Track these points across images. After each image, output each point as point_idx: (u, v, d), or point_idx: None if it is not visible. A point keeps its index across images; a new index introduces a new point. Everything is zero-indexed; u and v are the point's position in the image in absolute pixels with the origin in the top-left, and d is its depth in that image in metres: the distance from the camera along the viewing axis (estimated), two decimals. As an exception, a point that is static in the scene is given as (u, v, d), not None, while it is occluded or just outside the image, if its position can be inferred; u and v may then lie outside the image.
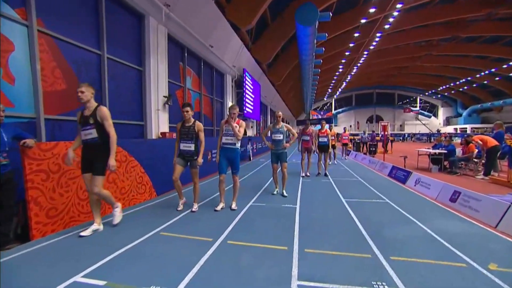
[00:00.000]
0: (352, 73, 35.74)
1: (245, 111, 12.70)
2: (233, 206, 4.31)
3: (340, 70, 32.64)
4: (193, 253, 2.67)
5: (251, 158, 12.34)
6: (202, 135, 4.13)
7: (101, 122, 2.94)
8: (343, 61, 29.13)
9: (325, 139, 7.74)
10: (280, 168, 5.36)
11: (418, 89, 47.64)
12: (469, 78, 35.03)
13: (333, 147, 10.80)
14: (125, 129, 5.75)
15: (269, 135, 5.97)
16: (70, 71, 4.57)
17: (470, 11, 20.47)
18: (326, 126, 8.00)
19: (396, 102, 52.48)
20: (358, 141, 16.71)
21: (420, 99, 51.22)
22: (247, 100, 12.99)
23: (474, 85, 38.01)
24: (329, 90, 45.68)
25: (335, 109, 54.94)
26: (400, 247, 2.83)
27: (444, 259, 2.57)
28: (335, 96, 52.65)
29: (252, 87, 14.21)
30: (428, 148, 9.52)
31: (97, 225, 3.19)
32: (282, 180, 5.39)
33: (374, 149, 14.10)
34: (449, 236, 3.12)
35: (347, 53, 26.95)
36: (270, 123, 24.30)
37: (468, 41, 27.57)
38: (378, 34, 23.14)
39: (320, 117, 51.15)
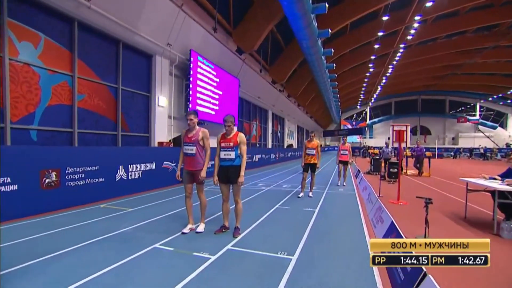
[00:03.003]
0: (388, 75, 29.70)
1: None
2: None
3: (371, 70, 27.07)
4: None
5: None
6: None
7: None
8: (372, 57, 23.78)
9: (231, 154, 3.59)
10: None
11: (478, 94, 38.44)
12: (554, 77, 26.28)
13: (313, 168, 6.35)
14: None
15: None
16: None
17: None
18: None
19: (448, 110, 43.42)
20: (377, 157, 11.63)
21: (481, 106, 41.42)
22: (199, 95, 9.26)
23: (562, 86, 28.64)
24: (361, 97, 39.52)
25: (370, 119, 47.83)
26: None
27: None
28: (370, 104, 45.86)
29: (217, 80, 10.47)
30: (485, 178, 4.52)
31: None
32: None
33: (395, 169, 9.09)
34: None
35: (376, 46, 21.67)
36: (273, 131, 20.12)
37: (555, 23, 20.10)
38: (416, 18, 17.67)
39: (350, 127, 44.79)
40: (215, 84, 10.27)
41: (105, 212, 4.74)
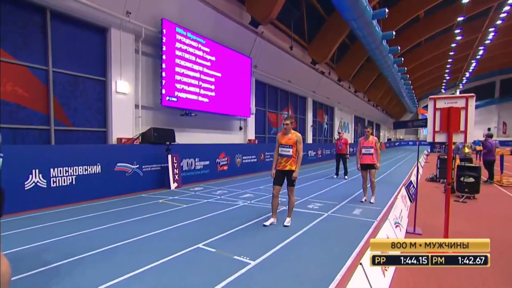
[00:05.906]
0: (487, 43, 21.85)
1: (168, 98, 7.00)
2: None
3: (458, 39, 20.10)
4: None
5: (171, 185, 6.46)
6: None
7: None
8: (460, 19, 17.25)
9: None
10: None
11: None
12: None
13: (289, 179, 3.68)
14: None
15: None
16: None
17: None
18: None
19: None
20: (442, 157, 7.42)
21: None
22: (179, 77, 7.22)
23: None
24: (447, 77, 30.91)
25: (461, 105, 37.30)
26: None
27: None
28: (461, 86, 35.81)
29: (212, 58, 8.23)
30: None
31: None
32: None
33: (475, 178, 5.21)
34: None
35: (465, 1, 15.41)
36: (314, 123, 16.69)
37: None
38: None
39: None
40: (208, 63, 8.08)
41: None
